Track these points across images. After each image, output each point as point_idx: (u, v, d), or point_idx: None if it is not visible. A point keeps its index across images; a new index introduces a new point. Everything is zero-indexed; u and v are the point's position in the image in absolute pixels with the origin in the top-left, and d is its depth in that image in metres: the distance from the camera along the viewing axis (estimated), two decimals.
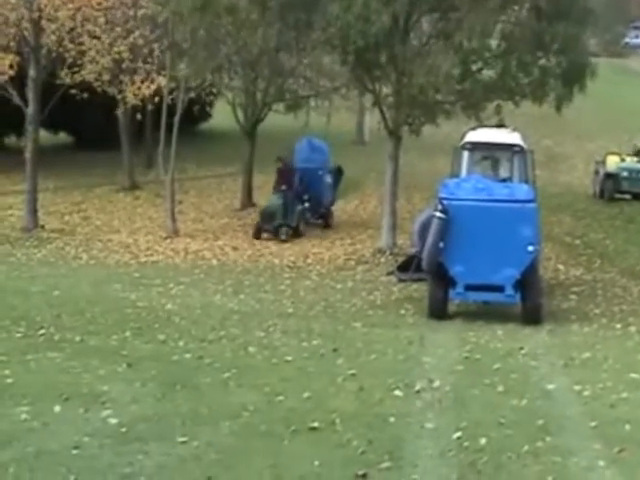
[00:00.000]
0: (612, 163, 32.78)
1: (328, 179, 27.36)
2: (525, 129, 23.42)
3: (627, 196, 32.64)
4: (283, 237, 24.88)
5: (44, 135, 35.60)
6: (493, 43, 22.65)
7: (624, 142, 36.77)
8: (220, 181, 33.96)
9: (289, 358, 12.37)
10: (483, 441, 8.75)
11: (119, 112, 31.86)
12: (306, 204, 26.30)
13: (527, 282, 16.09)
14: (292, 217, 25.38)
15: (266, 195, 27.43)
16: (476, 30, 21.17)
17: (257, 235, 25.27)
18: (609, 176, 32.52)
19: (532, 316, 16.02)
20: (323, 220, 27.26)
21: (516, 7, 21.99)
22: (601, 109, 53.90)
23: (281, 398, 10.20)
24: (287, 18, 24.27)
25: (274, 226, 25.07)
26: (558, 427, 9.40)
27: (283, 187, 25.73)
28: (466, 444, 8.70)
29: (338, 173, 28.09)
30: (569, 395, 10.95)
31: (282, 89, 28.77)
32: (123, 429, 8.92)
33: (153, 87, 27.83)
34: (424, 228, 16.49)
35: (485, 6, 20.95)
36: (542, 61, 22.29)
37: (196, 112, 36.19)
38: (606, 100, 53.71)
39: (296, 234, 25.36)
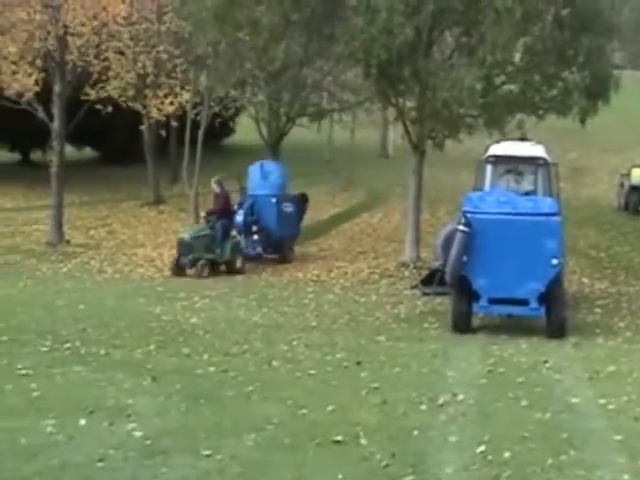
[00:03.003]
0: (637, 176, 32.73)
1: (288, 208, 24.21)
2: (550, 142, 23.33)
3: None
4: (204, 274, 21.50)
5: (69, 150, 35.92)
6: (516, 57, 22.60)
7: None
8: None
9: (312, 371, 12.38)
10: (507, 455, 8.74)
11: (143, 127, 32.12)
12: (255, 236, 23.32)
13: (551, 295, 15.99)
14: (222, 251, 22.10)
15: None
16: (499, 44, 21.13)
17: (178, 271, 21.80)
18: (634, 189, 32.50)
19: (556, 329, 15.92)
20: (280, 254, 23.92)
21: (539, 21, 21.90)
22: (626, 122, 53.77)
23: (305, 411, 10.22)
24: (311, 31, 24.37)
25: (190, 260, 21.71)
26: (582, 441, 9.36)
27: (203, 214, 23.17)
28: (490, 457, 8.68)
29: (303, 201, 25.10)
30: (594, 408, 10.90)
31: (306, 103, 28.80)
32: (147, 442, 8.96)
33: (177, 102, 28.05)
34: (448, 241, 16.42)
35: (508, 20, 20.90)
36: (565, 74, 22.23)
37: (220, 127, 36.39)
38: (631, 113, 53.54)
39: (230, 270, 22.13)
